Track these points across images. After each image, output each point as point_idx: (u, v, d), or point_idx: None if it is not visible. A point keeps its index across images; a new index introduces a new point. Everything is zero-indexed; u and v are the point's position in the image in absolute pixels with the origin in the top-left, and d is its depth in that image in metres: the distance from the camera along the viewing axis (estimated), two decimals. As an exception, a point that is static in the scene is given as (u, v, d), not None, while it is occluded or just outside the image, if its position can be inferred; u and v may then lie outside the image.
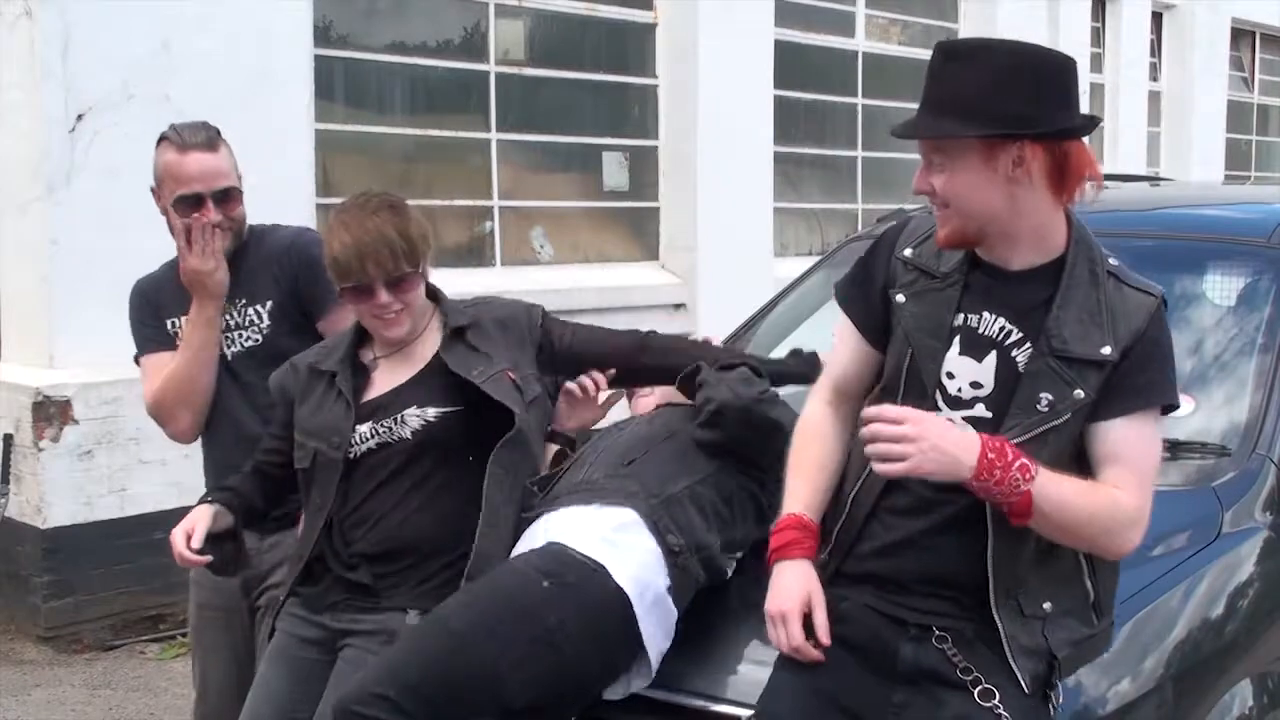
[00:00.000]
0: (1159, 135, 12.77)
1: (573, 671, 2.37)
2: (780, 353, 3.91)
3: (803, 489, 2.36)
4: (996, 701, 2.13)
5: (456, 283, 6.25)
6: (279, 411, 2.83)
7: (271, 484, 2.82)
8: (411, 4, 7.07)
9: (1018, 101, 2.10)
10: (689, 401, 2.79)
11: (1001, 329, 2.21)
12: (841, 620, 2.25)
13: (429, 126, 7.16)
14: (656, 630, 2.44)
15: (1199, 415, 2.97)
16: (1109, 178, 2.83)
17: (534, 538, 2.55)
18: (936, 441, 2.03)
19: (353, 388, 2.72)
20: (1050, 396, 2.16)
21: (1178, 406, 2.26)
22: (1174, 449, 2.76)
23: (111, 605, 5.58)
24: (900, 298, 2.29)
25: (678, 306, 7.82)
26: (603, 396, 2.93)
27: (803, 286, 4.13)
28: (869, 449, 2.08)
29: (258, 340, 3.05)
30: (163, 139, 3.03)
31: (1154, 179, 5.65)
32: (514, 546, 2.60)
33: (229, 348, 3.05)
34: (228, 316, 3.04)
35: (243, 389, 3.04)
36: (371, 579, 2.65)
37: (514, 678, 2.30)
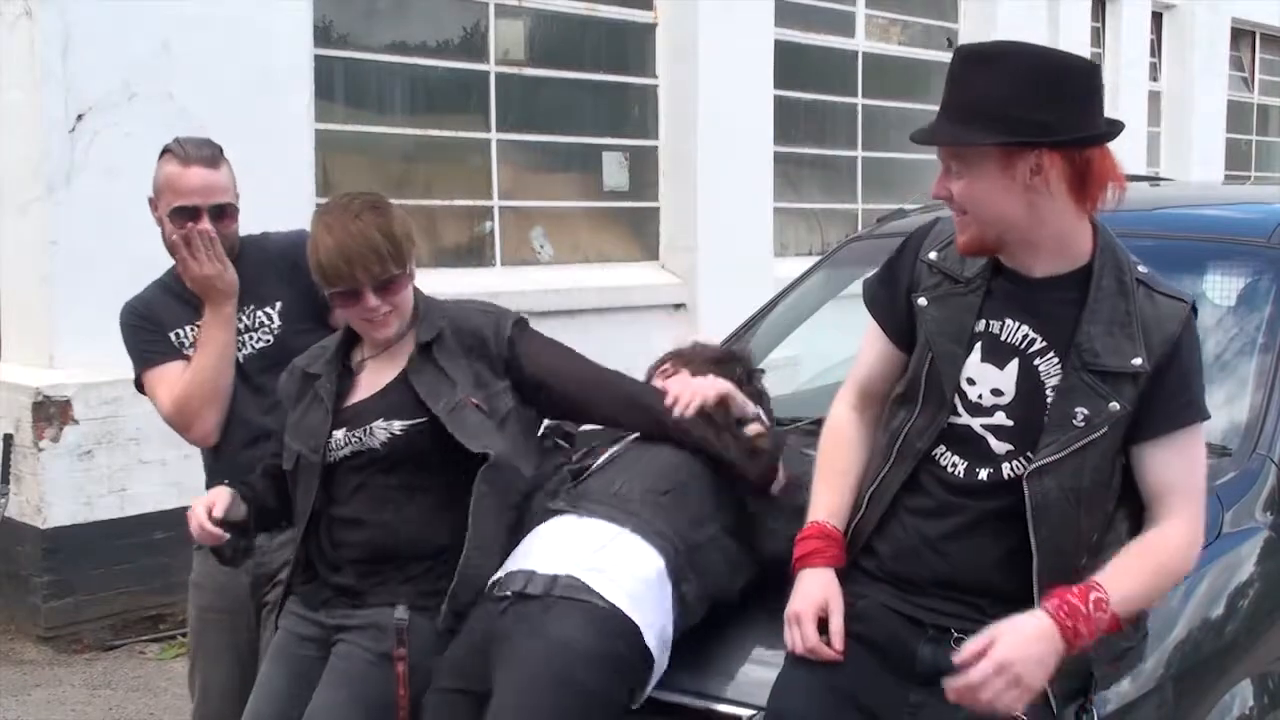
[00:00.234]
0: (1159, 135, 12.77)
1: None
2: (780, 353, 3.92)
3: (828, 496, 2.36)
4: None
5: (456, 283, 6.27)
6: (282, 414, 2.84)
7: (282, 485, 2.82)
8: (411, 4, 7.07)
9: (1037, 109, 2.07)
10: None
11: (1025, 337, 2.20)
12: (859, 618, 2.26)
13: (429, 126, 7.16)
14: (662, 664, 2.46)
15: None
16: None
17: (560, 543, 2.50)
18: (1024, 655, 1.99)
19: (336, 391, 2.72)
20: (1086, 411, 2.14)
21: (1209, 418, 2.26)
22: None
23: (111, 605, 5.58)
24: (922, 301, 2.28)
25: (678, 306, 7.82)
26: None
27: (803, 286, 4.13)
28: (974, 702, 2.01)
29: (269, 341, 3.07)
30: (166, 151, 3.06)
31: (1154, 179, 5.64)
32: (525, 534, 2.58)
33: (240, 350, 3.07)
34: (235, 322, 3.05)
35: (254, 391, 3.05)
36: (355, 580, 2.67)
37: None
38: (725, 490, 2.64)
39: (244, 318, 3.08)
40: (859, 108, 9.45)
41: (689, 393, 2.74)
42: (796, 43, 8.83)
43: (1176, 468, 2.19)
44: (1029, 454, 2.18)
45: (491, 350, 2.73)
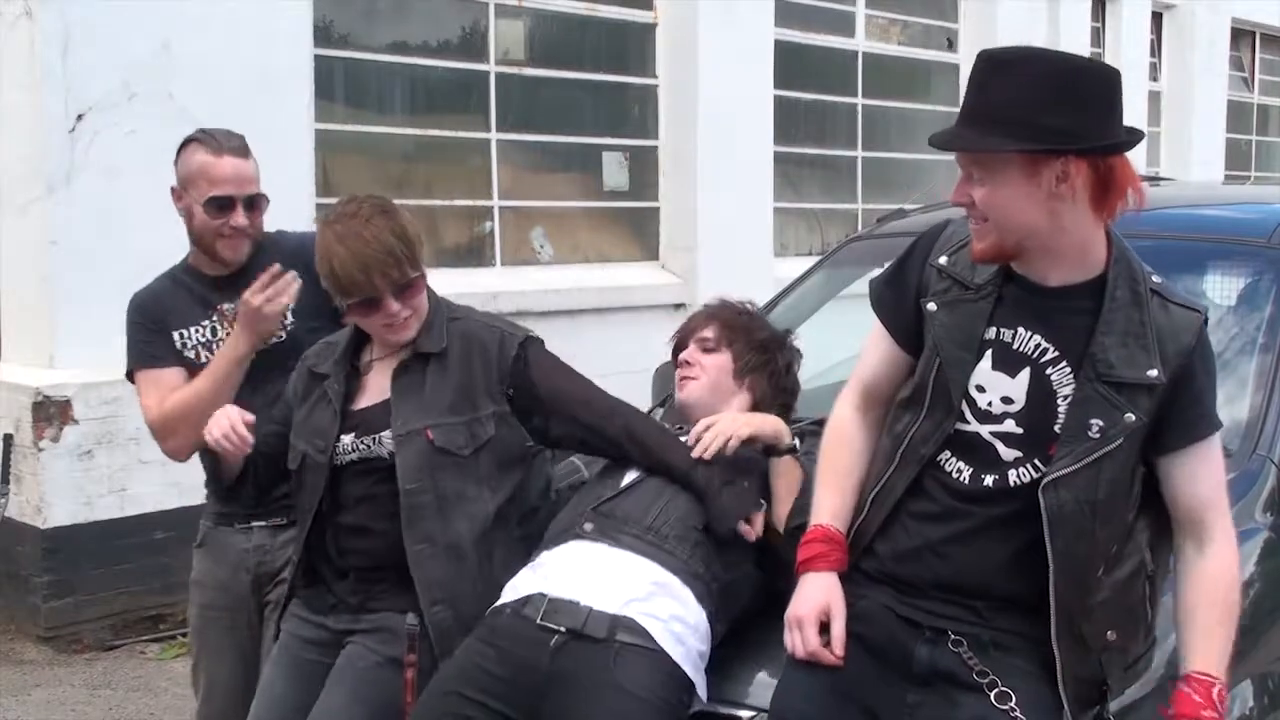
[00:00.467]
0: (1159, 135, 12.76)
1: None
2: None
3: (831, 499, 2.35)
4: (1013, 704, 2.12)
5: (456, 283, 6.27)
6: (281, 407, 2.83)
7: (261, 460, 2.79)
8: (411, 4, 7.07)
9: (1063, 115, 2.05)
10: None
11: (1037, 346, 2.19)
12: (858, 619, 2.26)
13: (429, 126, 7.15)
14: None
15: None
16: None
17: (602, 576, 2.46)
18: None
19: (345, 393, 2.70)
20: (1101, 422, 2.13)
21: (1222, 425, 2.28)
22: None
23: (111, 605, 5.58)
24: (932, 306, 2.26)
25: (678, 306, 7.81)
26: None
27: (803, 286, 4.13)
28: None
29: (280, 337, 3.05)
30: (192, 141, 3.05)
31: (1154, 179, 5.62)
32: (545, 546, 2.57)
33: None
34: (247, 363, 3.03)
35: (259, 386, 3.02)
36: (361, 586, 2.65)
37: None
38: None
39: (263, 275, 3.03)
40: (859, 108, 9.45)
41: (711, 434, 2.65)
42: (796, 43, 8.82)
43: (1204, 479, 2.21)
44: (1037, 460, 2.18)
45: (493, 363, 2.67)
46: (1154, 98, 12.63)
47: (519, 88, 7.47)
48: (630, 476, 2.67)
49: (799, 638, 2.24)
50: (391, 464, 2.61)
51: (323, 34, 6.55)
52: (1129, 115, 2.17)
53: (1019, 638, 2.19)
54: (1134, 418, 2.14)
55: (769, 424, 2.73)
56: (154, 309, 3.11)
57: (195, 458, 3.20)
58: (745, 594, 2.57)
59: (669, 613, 2.42)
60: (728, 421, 2.70)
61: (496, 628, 2.46)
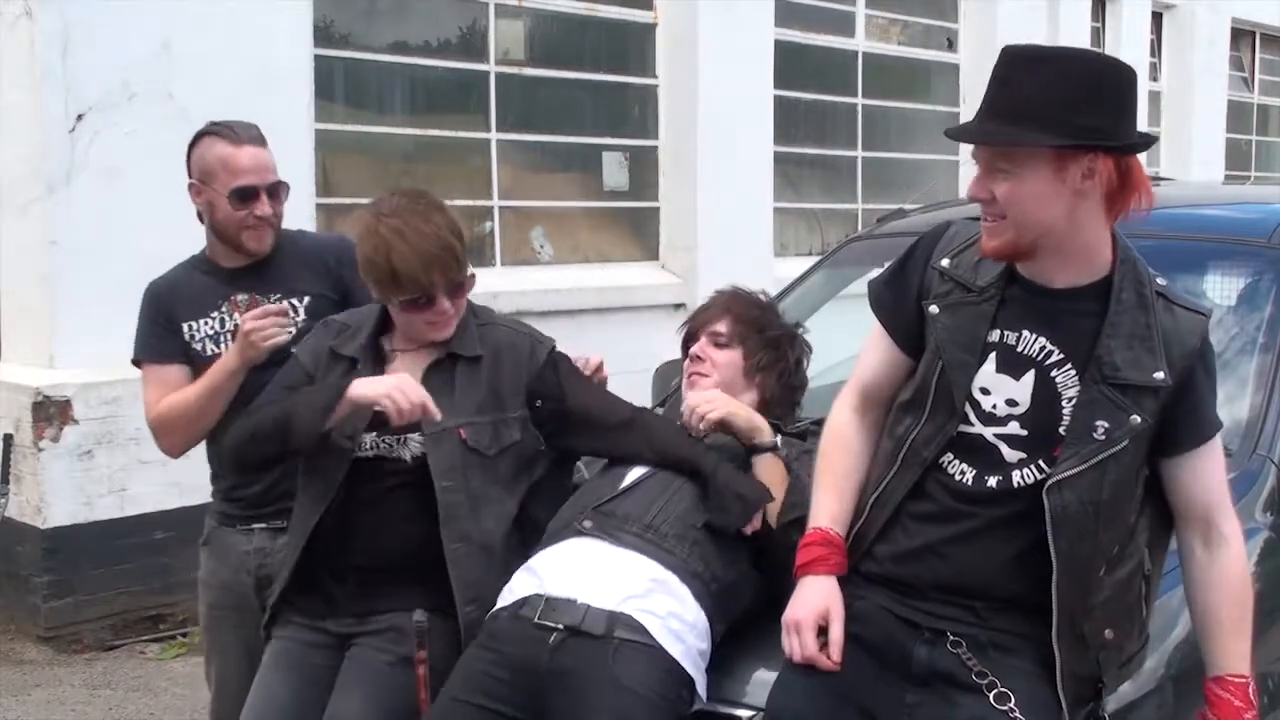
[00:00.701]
0: (1159, 135, 12.76)
1: None
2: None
3: (829, 501, 2.34)
4: (1012, 705, 2.12)
5: (456, 283, 6.26)
6: (298, 373, 2.73)
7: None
8: (411, 4, 7.07)
9: (1095, 112, 2.06)
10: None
11: (1042, 349, 2.19)
12: (856, 619, 2.25)
13: (429, 126, 7.15)
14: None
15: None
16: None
17: (600, 573, 2.46)
18: None
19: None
20: (1106, 424, 2.14)
21: (1223, 425, 2.29)
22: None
23: (111, 605, 5.58)
24: (934, 309, 2.25)
25: (678, 306, 7.81)
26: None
27: (803, 286, 4.13)
28: None
29: (290, 334, 3.02)
30: (208, 134, 3.05)
31: (1154, 179, 5.63)
32: (544, 545, 2.57)
33: None
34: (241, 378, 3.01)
35: (264, 382, 3.01)
36: (362, 590, 2.61)
37: None
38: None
39: (271, 305, 3.04)
40: (859, 108, 9.45)
41: (704, 403, 2.68)
42: (796, 43, 8.82)
43: (1209, 480, 2.23)
44: (1041, 462, 2.18)
45: (523, 367, 2.65)
46: (1154, 98, 12.63)
47: (519, 88, 7.47)
48: (631, 478, 2.67)
49: (796, 642, 2.24)
50: (410, 466, 2.59)
51: (323, 34, 6.55)
52: (1130, 116, 2.17)
53: (1018, 638, 2.19)
54: (1140, 420, 2.14)
55: (744, 413, 2.75)
56: (168, 300, 3.10)
57: (195, 460, 3.21)
58: (745, 594, 2.57)
59: (666, 610, 2.42)
60: (699, 397, 2.75)
61: (496, 632, 2.46)
